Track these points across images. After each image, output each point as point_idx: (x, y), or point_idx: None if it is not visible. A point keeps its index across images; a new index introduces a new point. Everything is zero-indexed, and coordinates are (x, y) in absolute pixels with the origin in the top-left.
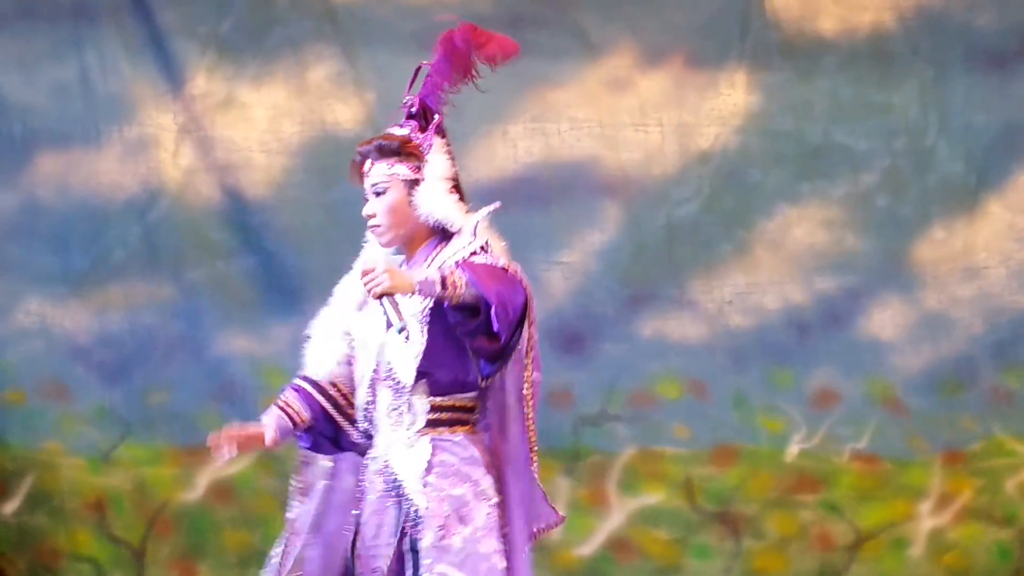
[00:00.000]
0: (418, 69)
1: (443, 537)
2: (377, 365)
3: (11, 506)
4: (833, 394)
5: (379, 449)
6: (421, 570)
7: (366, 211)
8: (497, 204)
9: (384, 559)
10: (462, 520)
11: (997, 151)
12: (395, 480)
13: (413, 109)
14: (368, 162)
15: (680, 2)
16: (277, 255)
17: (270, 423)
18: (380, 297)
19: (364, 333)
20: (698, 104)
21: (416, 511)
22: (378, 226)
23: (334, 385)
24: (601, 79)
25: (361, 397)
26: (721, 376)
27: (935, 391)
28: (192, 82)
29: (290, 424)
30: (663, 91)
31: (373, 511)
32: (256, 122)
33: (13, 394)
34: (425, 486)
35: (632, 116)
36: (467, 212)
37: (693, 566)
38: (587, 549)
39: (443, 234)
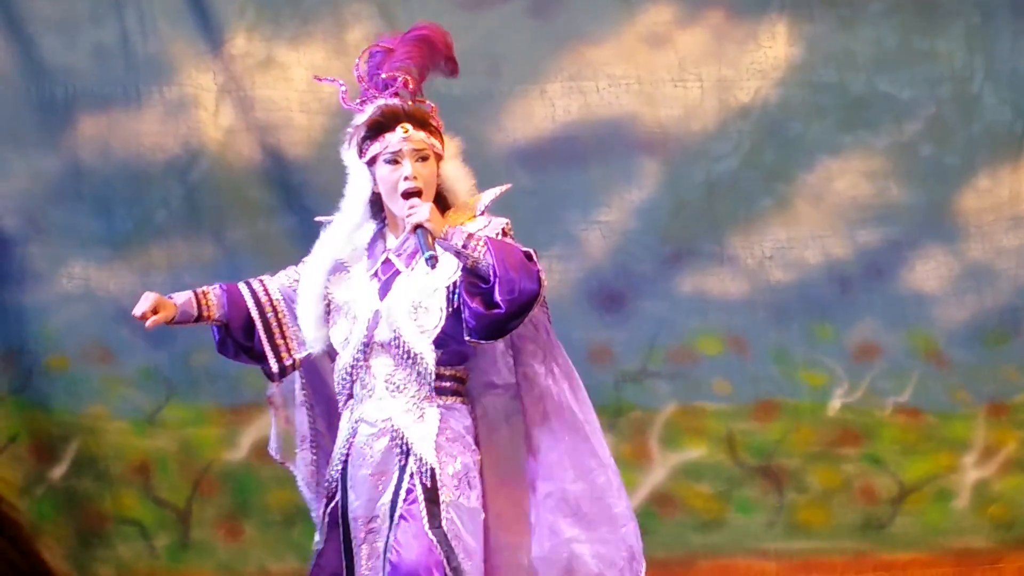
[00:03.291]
0: (368, 50)
1: (460, 496)
2: (369, 332)
3: (58, 471)
4: (875, 347)
5: (372, 413)
6: (430, 519)
7: (410, 172)
8: (508, 186)
9: (384, 518)
10: (470, 485)
11: None
12: (404, 442)
13: (397, 81)
14: (407, 127)
15: None
16: (317, 214)
17: (178, 301)
18: (417, 227)
19: (353, 299)
20: (738, 58)
21: (430, 470)
22: (420, 190)
23: (273, 306)
24: (639, 35)
25: (344, 360)
26: (762, 331)
27: (978, 343)
28: (231, 42)
29: (194, 313)
30: (702, 45)
31: (372, 471)
32: (295, 82)
33: (57, 360)
34: (437, 449)
35: (671, 72)
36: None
37: (736, 520)
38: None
39: (441, 210)
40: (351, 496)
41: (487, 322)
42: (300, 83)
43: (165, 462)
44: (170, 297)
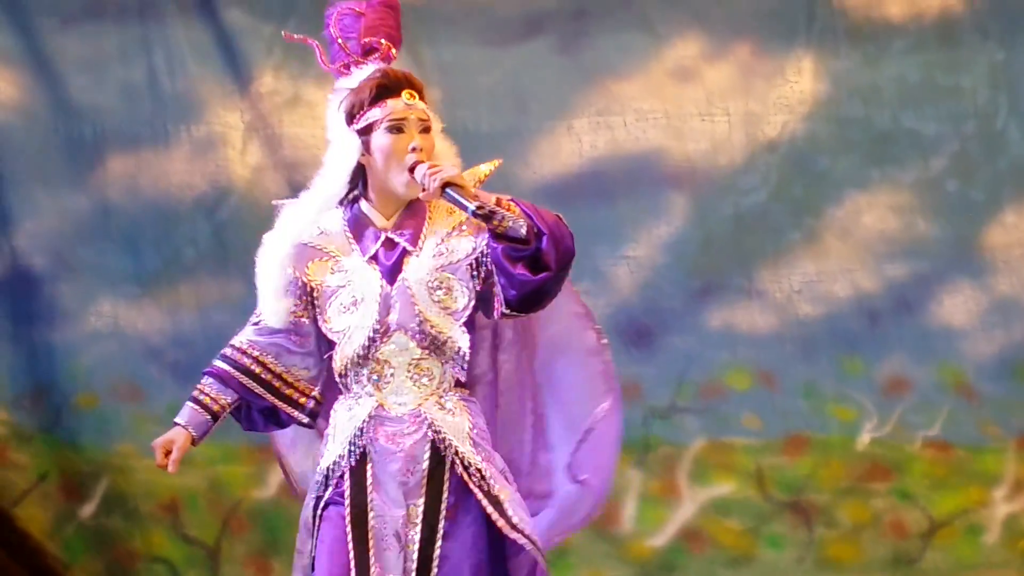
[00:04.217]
0: (336, 12)
1: (513, 491)
2: (382, 317)
3: (88, 509)
4: (904, 381)
5: (395, 405)
6: (506, 520)
7: (415, 143)
8: (499, 161)
9: (418, 519)
10: (508, 480)
11: None
12: (440, 438)
13: (377, 45)
14: (413, 94)
15: None
16: None
17: (188, 423)
18: (445, 187)
19: (350, 284)
20: (765, 92)
21: (478, 471)
22: (422, 163)
23: (260, 363)
24: (667, 69)
25: (349, 349)
26: (791, 366)
27: (1007, 376)
28: (259, 80)
29: (207, 417)
30: (729, 80)
31: (402, 467)
32: (323, 120)
33: (86, 398)
34: (474, 446)
35: (698, 106)
36: None
37: (766, 556)
38: (660, 540)
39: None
40: (373, 495)
41: (533, 288)
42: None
43: (194, 500)
44: (176, 424)
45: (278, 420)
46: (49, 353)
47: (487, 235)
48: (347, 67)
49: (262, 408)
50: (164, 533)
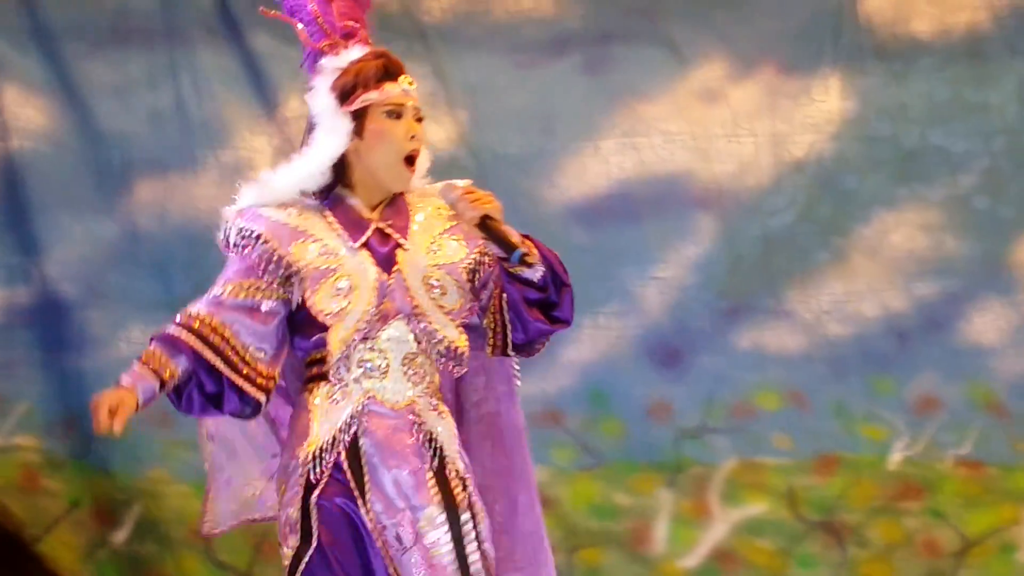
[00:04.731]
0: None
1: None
2: (379, 304)
3: (121, 535)
4: (935, 400)
5: (389, 396)
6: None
7: (417, 132)
8: (468, 181)
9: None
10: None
11: None
12: (433, 440)
13: (355, 30)
14: (408, 80)
15: (771, 10)
16: None
17: (135, 386)
18: (483, 219)
19: (340, 267)
20: (791, 112)
21: (460, 474)
22: (418, 154)
23: (220, 334)
24: (692, 91)
25: (342, 333)
26: (821, 386)
27: None
28: (286, 105)
29: (156, 384)
30: (755, 100)
31: (401, 465)
32: None
33: None
34: (459, 455)
35: (725, 127)
36: None
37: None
38: (692, 561)
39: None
40: (370, 491)
41: (545, 335)
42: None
43: None
44: (118, 384)
45: (219, 403)
46: (79, 380)
47: (477, 244)
48: (332, 47)
49: (206, 387)
50: (196, 559)
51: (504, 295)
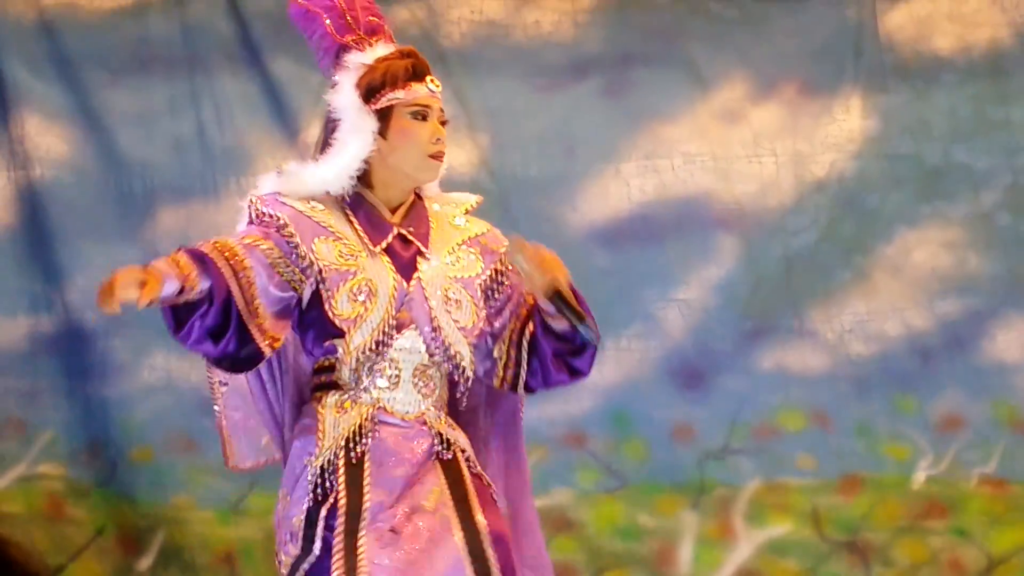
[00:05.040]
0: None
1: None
2: (396, 312)
3: (145, 562)
4: (959, 419)
5: (399, 406)
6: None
7: (442, 135)
8: (479, 198)
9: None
10: None
11: None
12: (447, 447)
13: (380, 28)
14: (434, 82)
15: (791, 30)
16: None
17: (165, 273)
18: (557, 291)
19: (360, 270)
20: (812, 132)
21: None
22: (442, 156)
23: (245, 272)
24: (713, 112)
25: (359, 339)
26: (844, 405)
27: None
28: (307, 131)
29: (177, 288)
30: (776, 120)
31: (411, 472)
32: None
33: (141, 451)
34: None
35: (746, 148)
36: None
37: None
38: None
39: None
40: (370, 495)
41: (556, 386)
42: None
43: (250, 551)
44: (153, 267)
45: (216, 340)
46: (103, 408)
47: (493, 261)
48: (358, 42)
49: (212, 319)
50: None
51: (526, 335)
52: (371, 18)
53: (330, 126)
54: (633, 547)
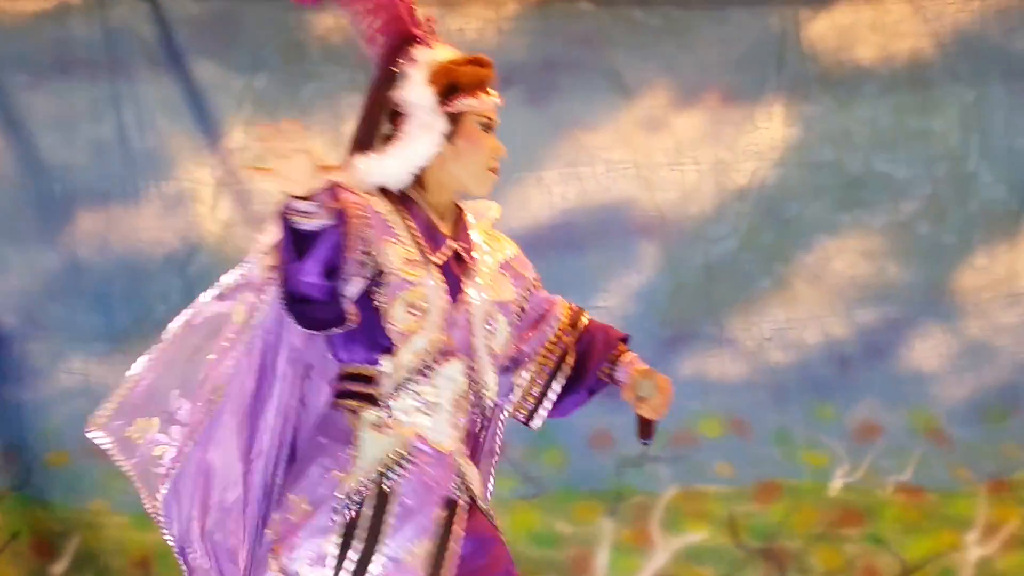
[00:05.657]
0: None
1: None
2: (444, 334)
3: (59, 567)
4: (876, 427)
5: (432, 435)
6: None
7: (501, 152)
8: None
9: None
10: None
11: None
12: (465, 484)
13: (433, 27)
14: (497, 96)
15: (714, 38)
16: None
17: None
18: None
19: (418, 284)
20: (734, 140)
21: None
22: (498, 172)
23: (362, 234)
24: (636, 120)
25: (407, 358)
26: (762, 413)
27: (979, 420)
28: (229, 136)
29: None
30: (699, 129)
31: (433, 506)
32: None
33: (57, 456)
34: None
35: (668, 155)
36: None
37: None
38: None
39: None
40: (392, 528)
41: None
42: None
43: (166, 556)
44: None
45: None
46: (19, 412)
47: (523, 288)
48: (428, 37)
49: (324, 252)
50: None
51: (564, 368)
52: (428, 19)
53: (396, 118)
54: (550, 554)
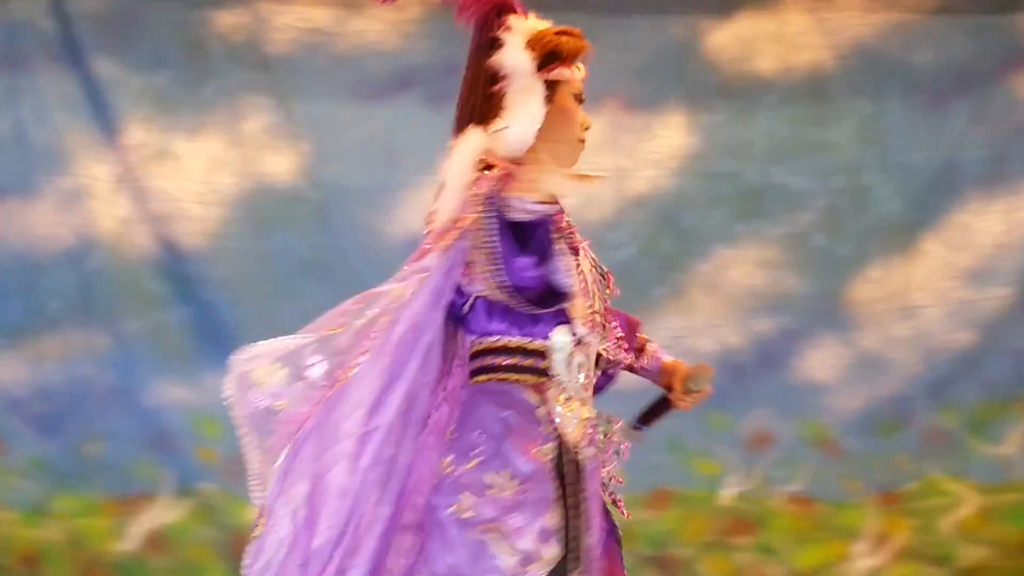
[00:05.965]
0: None
1: None
2: (593, 312)
3: None
4: (768, 436)
5: (590, 409)
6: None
7: (589, 124)
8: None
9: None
10: None
11: (934, 189)
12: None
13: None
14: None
15: (616, 45)
16: (212, 305)
17: None
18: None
19: (572, 265)
20: (634, 147)
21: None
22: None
23: None
24: None
25: (579, 329)
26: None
27: (870, 432)
28: (127, 133)
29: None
30: (599, 135)
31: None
32: (191, 173)
33: None
34: None
35: None
36: None
37: None
38: None
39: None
40: (587, 514)
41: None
42: (196, 174)
43: (54, 553)
44: None
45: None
46: None
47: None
48: (523, 8)
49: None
50: None
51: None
52: None
53: (497, 85)
54: None
